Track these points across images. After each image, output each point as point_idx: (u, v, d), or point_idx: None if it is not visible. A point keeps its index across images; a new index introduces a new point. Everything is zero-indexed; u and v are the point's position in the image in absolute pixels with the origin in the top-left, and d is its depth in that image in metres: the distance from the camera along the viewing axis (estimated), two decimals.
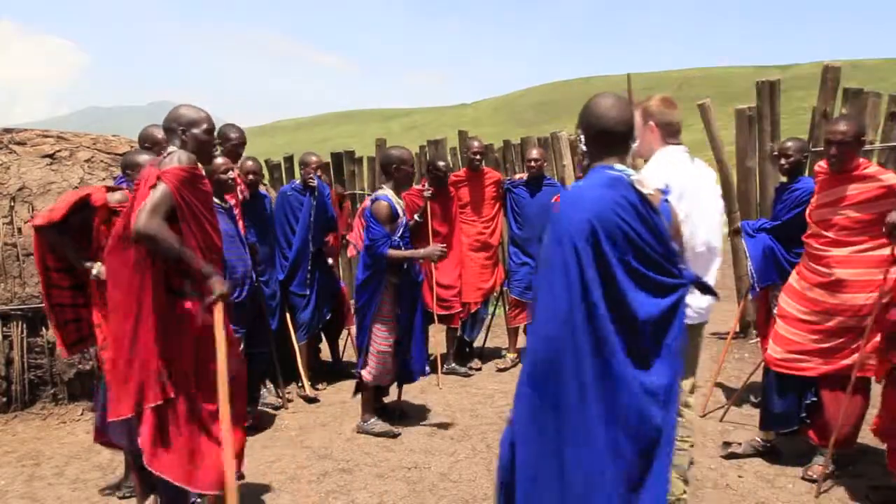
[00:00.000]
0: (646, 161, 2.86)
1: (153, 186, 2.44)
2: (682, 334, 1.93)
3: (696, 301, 2.56)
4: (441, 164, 5.07)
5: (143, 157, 3.02)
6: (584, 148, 2.06)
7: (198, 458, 2.54)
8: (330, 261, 5.01)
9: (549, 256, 1.86)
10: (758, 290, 3.96)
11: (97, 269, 2.91)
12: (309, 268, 4.78)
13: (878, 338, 3.08)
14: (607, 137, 2.01)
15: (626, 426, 1.83)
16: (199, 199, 2.57)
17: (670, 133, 2.81)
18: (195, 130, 2.61)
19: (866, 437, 3.80)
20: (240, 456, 2.77)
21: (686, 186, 2.64)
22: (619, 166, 1.96)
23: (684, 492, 2.76)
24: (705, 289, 2.12)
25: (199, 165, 2.62)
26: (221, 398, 2.45)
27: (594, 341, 1.80)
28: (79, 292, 3.10)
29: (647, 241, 1.87)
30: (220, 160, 3.84)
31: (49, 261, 2.99)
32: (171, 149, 2.58)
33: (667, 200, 2.05)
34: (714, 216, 2.85)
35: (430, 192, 4.81)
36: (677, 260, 1.96)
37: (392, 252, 3.85)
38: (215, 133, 2.74)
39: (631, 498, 1.87)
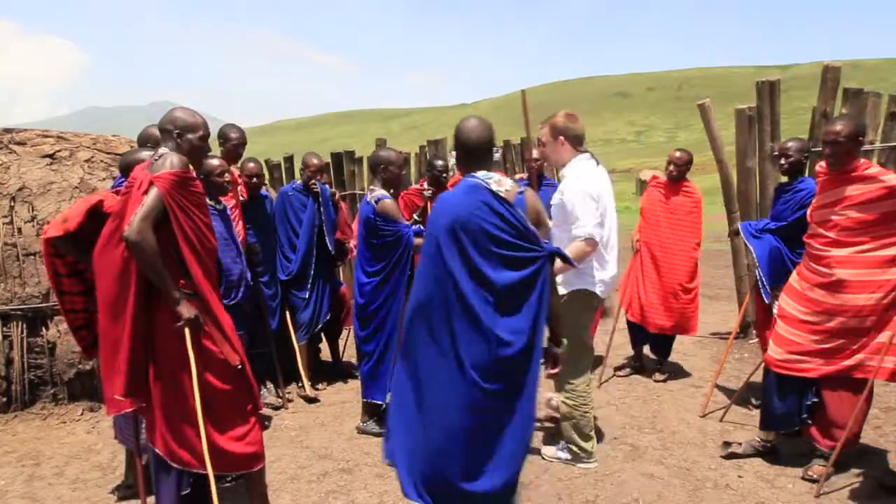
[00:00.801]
0: (558, 169, 3.46)
1: (146, 192, 2.51)
2: (545, 292, 2.43)
3: (600, 275, 3.39)
4: (439, 163, 5.06)
5: (143, 155, 3.03)
6: (454, 162, 2.49)
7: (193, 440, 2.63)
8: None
9: (424, 248, 2.48)
10: (769, 291, 3.86)
11: None
12: (313, 272, 4.78)
13: (880, 338, 3.08)
14: (471, 153, 2.52)
15: (481, 361, 2.34)
16: (192, 202, 2.61)
17: (578, 143, 3.39)
18: (190, 136, 2.67)
19: (866, 437, 3.80)
20: (259, 449, 2.83)
21: (601, 190, 3.32)
22: (480, 174, 2.46)
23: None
24: (564, 258, 2.59)
25: (191, 168, 2.66)
26: (198, 412, 2.56)
27: (462, 303, 2.35)
28: (90, 298, 3.12)
29: (501, 228, 2.37)
30: (215, 162, 3.82)
31: (59, 267, 3.00)
32: (162, 150, 2.64)
33: (521, 193, 2.56)
34: (614, 214, 3.47)
35: (429, 191, 4.81)
36: (533, 238, 2.43)
37: (418, 240, 3.77)
38: (209, 139, 2.81)
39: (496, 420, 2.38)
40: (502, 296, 2.36)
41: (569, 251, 3.04)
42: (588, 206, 3.24)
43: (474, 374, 2.34)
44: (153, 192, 2.50)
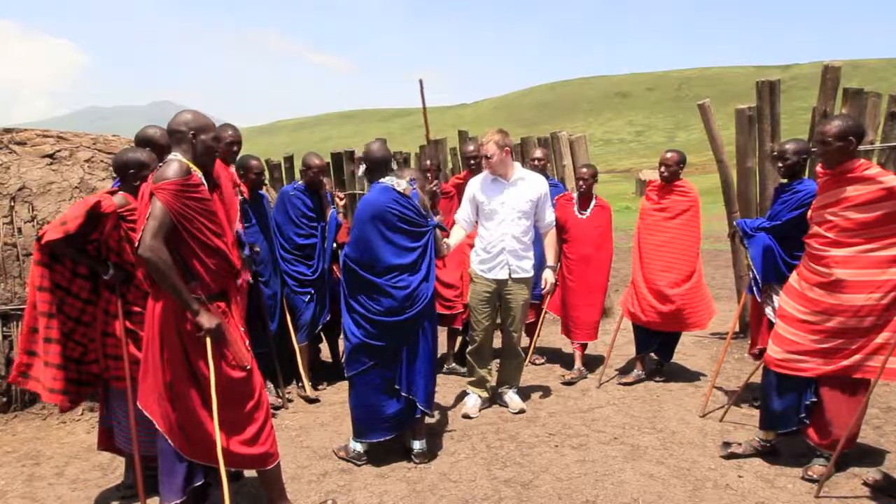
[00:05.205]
0: (505, 173, 4.28)
1: (150, 203, 2.52)
2: (433, 249, 3.61)
3: (524, 265, 4.30)
4: (427, 163, 5.05)
5: (132, 155, 3.05)
6: (360, 173, 3.61)
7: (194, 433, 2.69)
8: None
9: (356, 226, 3.50)
10: (761, 288, 3.95)
11: (110, 271, 3.00)
12: (317, 273, 4.82)
13: (879, 338, 3.08)
14: (376, 165, 3.57)
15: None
16: (195, 209, 2.59)
17: (511, 153, 4.28)
18: (204, 136, 2.68)
19: (867, 436, 3.81)
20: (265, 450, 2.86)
21: (545, 184, 4.44)
22: (384, 180, 3.52)
23: None
24: (441, 228, 3.77)
25: (196, 173, 2.63)
26: (215, 413, 2.60)
27: (384, 257, 3.46)
28: (95, 306, 3.14)
29: (405, 214, 3.46)
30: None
31: (59, 277, 3.03)
32: (170, 156, 2.63)
33: (413, 187, 3.54)
34: None
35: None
36: (425, 218, 3.57)
37: None
38: (219, 140, 2.86)
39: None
40: (409, 253, 3.49)
41: (551, 236, 4.47)
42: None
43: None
44: (156, 204, 2.49)
